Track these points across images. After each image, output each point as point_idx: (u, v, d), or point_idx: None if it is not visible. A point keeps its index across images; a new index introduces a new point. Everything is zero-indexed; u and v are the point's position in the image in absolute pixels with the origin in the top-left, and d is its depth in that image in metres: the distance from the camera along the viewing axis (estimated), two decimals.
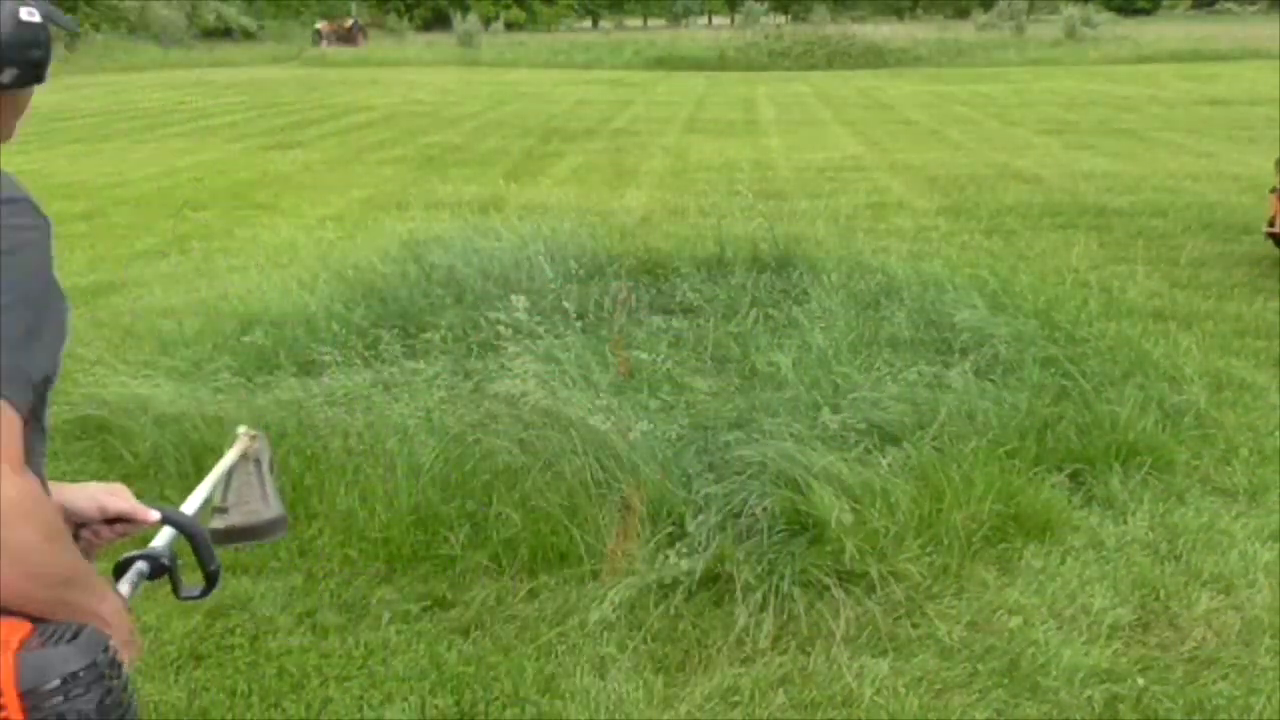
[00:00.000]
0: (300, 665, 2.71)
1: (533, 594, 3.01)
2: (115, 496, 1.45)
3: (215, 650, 2.79)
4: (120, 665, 1.15)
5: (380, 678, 2.67)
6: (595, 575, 3.05)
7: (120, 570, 1.37)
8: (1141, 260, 6.55)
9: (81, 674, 1.09)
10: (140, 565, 1.39)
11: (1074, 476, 3.60)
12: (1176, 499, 3.53)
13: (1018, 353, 4.24)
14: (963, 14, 53.46)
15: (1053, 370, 4.11)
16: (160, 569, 1.40)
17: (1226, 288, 6.15)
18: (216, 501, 1.59)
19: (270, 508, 1.61)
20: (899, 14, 59.52)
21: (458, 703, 2.58)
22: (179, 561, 1.40)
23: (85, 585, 1.21)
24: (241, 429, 1.68)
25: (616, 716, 2.53)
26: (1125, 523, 3.37)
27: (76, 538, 1.39)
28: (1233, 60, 28.79)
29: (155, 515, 1.46)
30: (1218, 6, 63.50)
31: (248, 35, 42.61)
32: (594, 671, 2.68)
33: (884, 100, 19.93)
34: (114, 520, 1.45)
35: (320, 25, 44.47)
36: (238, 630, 2.86)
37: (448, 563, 3.11)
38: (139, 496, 1.47)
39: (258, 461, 1.64)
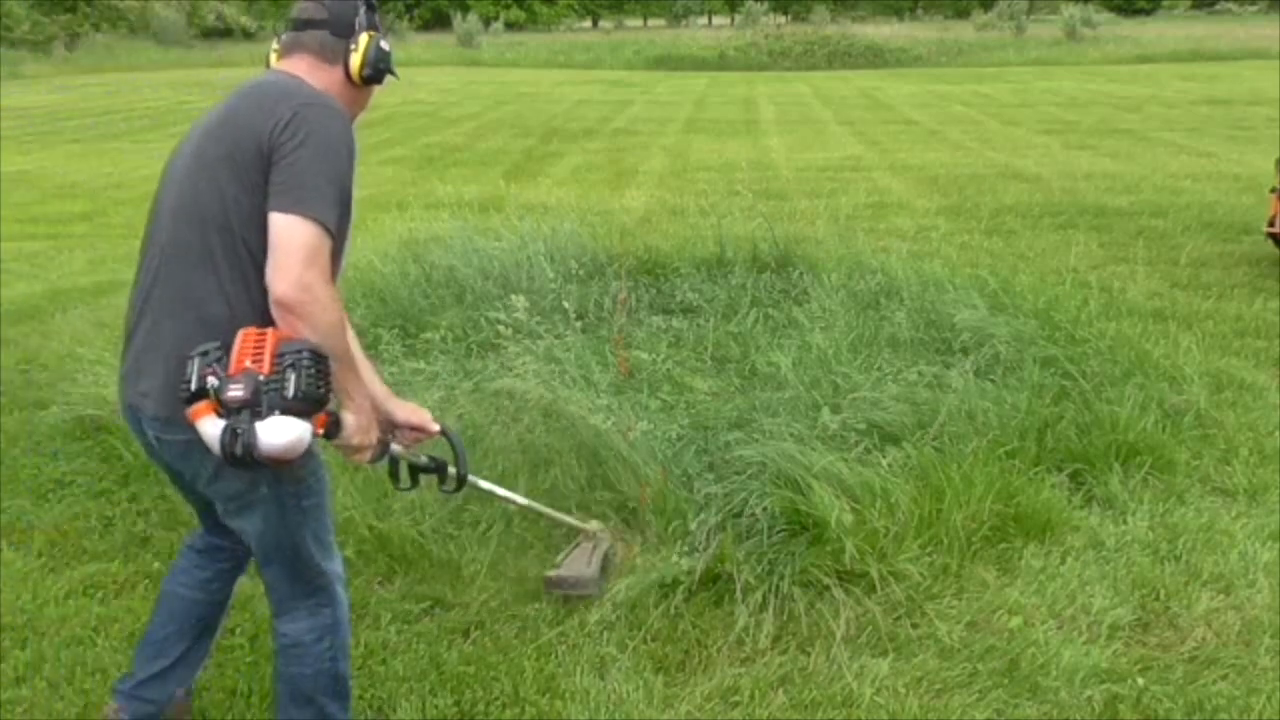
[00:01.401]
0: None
1: (533, 594, 3.01)
2: (417, 414, 2.35)
3: (215, 650, 2.79)
4: (328, 383, 1.83)
5: (380, 678, 2.67)
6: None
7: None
8: (1141, 260, 6.55)
9: (309, 353, 1.79)
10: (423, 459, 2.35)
11: (1074, 476, 3.60)
12: (1176, 499, 3.53)
13: (1018, 353, 4.24)
14: (963, 14, 53.43)
15: (1053, 370, 4.11)
16: (438, 466, 2.37)
17: (1226, 288, 6.15)
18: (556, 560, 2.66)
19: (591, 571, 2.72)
20: (899, 14, 59.47)
21: (458, 703, 2.58)
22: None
23: (351, 367, 1.95)
24: (594, 524, 2.81)
25: (616, 716, 2.53)
26: (1125, 523, 3.37)
27: (392, 435, 2.26)
28: (1233, 60, 28.78)
29: (437, 428, 2.36)
30: (1218, 6, 63.44)
31: (248, 35, 42.56)
32: (594, 671, 2.68)
33: (884, 100, 19.93)
34: (412, 429, 2.33)
35: None
36: (238, 630, 2.86)
37: (448, 563, 3.11)
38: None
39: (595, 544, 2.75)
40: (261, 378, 1.75)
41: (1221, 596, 2.99)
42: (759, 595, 2.89)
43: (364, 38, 2.04)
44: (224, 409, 1.75)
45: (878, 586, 2.93)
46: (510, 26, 54.17)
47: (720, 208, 8.10)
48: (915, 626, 2.84)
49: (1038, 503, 3.32)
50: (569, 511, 2.96)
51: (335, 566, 2.18)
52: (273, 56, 2.11)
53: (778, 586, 2.91)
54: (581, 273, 5.45)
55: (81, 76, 29.09)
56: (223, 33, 42.72)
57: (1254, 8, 59.88)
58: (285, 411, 1.76)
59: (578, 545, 2.76)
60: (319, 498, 2.08)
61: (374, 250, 5.92)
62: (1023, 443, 3.60)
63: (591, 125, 16.05)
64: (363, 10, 2.06)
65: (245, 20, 44.18)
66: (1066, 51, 32.42)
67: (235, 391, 1.74)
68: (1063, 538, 3.27)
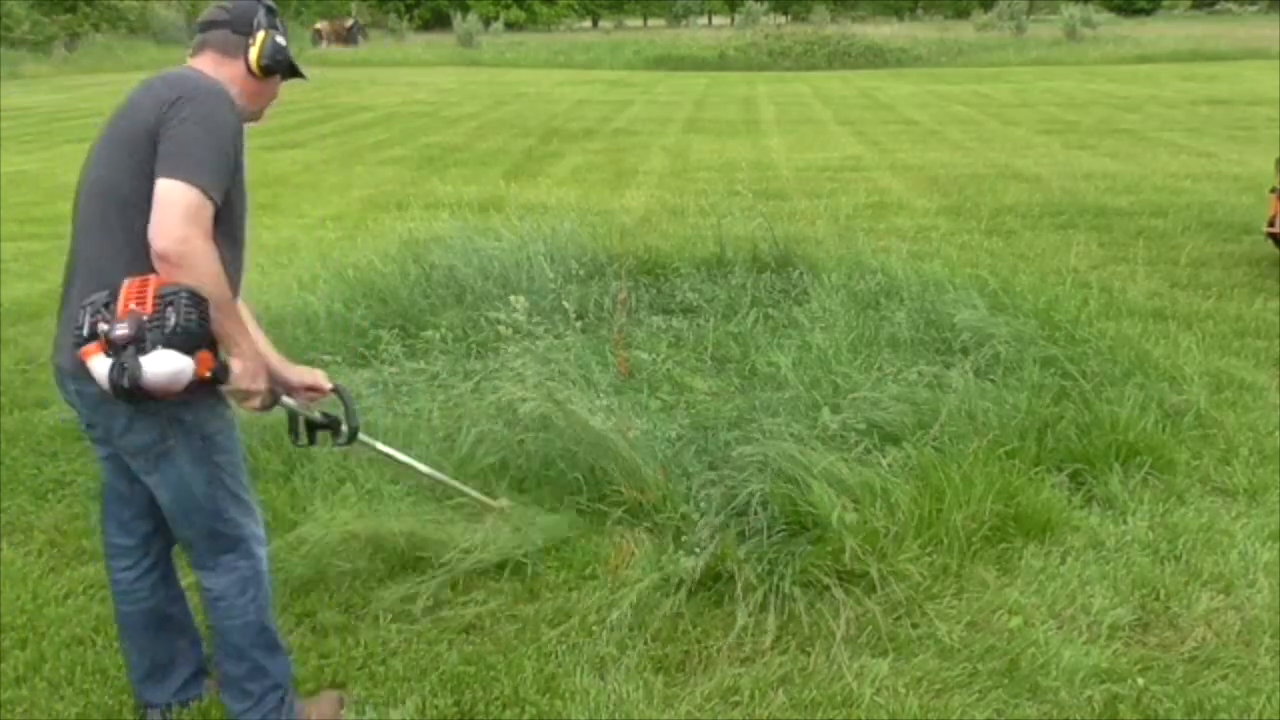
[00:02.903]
0: (300, 665, 2.70)
1: (533, 594, 3.01)
2: (311, 374, 2.52)
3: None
4: (206, 321, 1.99)
5: (380, 678, 2.67)
6: (595, 575, 3.05)
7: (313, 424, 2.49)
8: (1141, 260, 6.55)
9: (186, 294, 1.95)
10: (317, 415, 2.50)
11: (1074, 476, 3.60)
12: (1176, 499, 3.53)
13: (1018, 353, 4.24)
14: (963, 14, 53.43)
15: (1053, 370, 4.11)
16: (331, 422, 2.50)
17: (1226, 288, 6.15)
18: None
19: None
20: (899, 14, 59.48)
21: (458, 703, 2.58)
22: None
23: (231, 317, 2.09)
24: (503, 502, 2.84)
25: (616, 716, 2.53)
26: (1125, 523, 3.37)
27: (291, 396, 2.41)
28: (1233, 60, 28.77)
29: (330, 385, 2.54)
30: (1218, 6, 63.44)
31: None
32: (594, 671, 2.68)
33: (884, 100, 19.93)
34: (308, 389, 2.51)
35: (320, 25, 44.42)
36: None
37: (448, 563, 3.11)
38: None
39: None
40: (145, 317, 1.93)
41: (1221, 596, 2.99)
42: (759, 595, 2.89)
43: (261, 34, 2.27)
44: (111, 347, 1.92)
45: (878, 586, 2.93)
46: (510, 26, 54.16)
47: (720, 208, 8.09)
48: (915, 626, 2.84)
49: (1038, 503, 3.32)
50: (477, 488, 2.99)
51: (254, 526, 2.35)
52: (188, 57, 2.33)
53: (778, 586, 2.91)
54: (581, 273, 5.45)
55: (81, 76, 29.09)
56: None
57: (1254, 8, 59.89)
58: (167, 345, 1.93)
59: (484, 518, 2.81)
60: (230, 455, 2.26)
61: (374, 250, 5.92)
62: (1023, 443, 3.60)
63: (591, 125, 16.05)
64: (261, 12, 2.29)
65: None
66: (1066, 51, 32.41)
67: (121, 330, 1.92)
68: (1063, 538, 3.27)
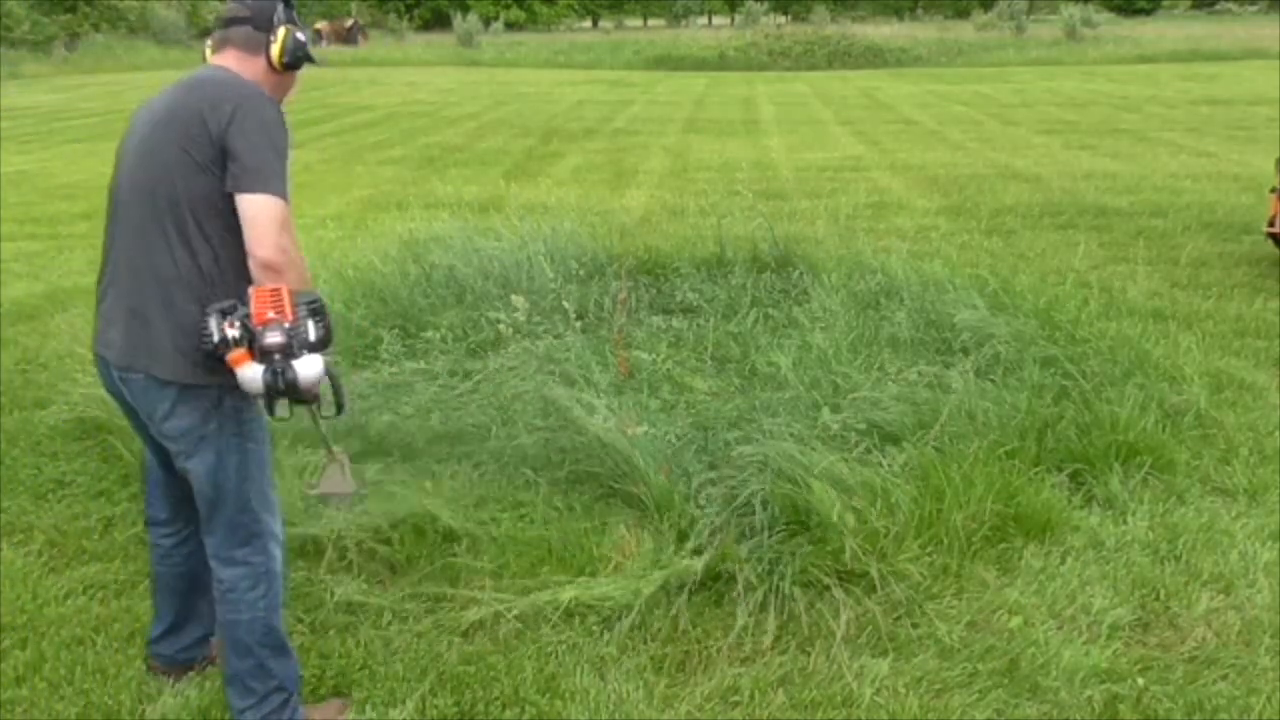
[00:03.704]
0: (300, 665, 2.70)
1: (532, 594, 3.00)
2: None
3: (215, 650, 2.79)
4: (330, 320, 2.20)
5: (380, 678, 2.67)
6: (595, 575, 3.05)
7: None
8: (1141, 260, 6.55)
9: (320, 303, 2.19)
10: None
11: (1074, 476, 3.60)
12: (1176, 499, 3.53)
13: (1018, 353, 4.24)
14: (963, 14, 53.43)
15: (1053, 370, 4.11)
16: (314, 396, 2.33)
17: (1226, 288, 6.15)
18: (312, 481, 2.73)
19: (348, 485, 2.64)
20: (899, 14, 59.49)
21: (458, 703, 2.58)
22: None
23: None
24: (338, 449, 2.64)
25: (616, 716, 2.53)
26: (1125, 523, 3.37)
27: None
28: (1233, 60, 28.77)
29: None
30: (1218, 6, 63.45)
31: None
32: (594, 671, 2.68)
33: (884, 100, 19.93)
34: None
35: (320, 25, 44.42)
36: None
37: (448, 563, 3.11)
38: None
39: (341, 463, 2.62)
40: (287, 325, 2.09)
41: (1221, 596, 2.99)
42: (759, 595, 2.90)
43: (281, 30, 2.34)
44: (262, 355, 2.08)
45: (878, 586, 2.93)
46: (510, 26, 54.18)
47: (720, 208, 8.10)
48: (915, 626, 2.85)
49: (1038, 503, 3.32)
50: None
51: (274, 524, 2.43)
52: (208, 52, 2.40)
53: (778, 586, 2.91)
54: (581, 273, 5.45)
55: (81, 76, 29.09)
56: None
57: (1254, 8, 59.91)
58: (312, 350, 2.14)
59: (326, 466, 2.82)
60: (261, 446, 2.38)
61: (374, 250, 5.92)
62: (1023, 443, 3.60)
63: (591, 125, 16.05)
64: (280, 7, 2.36)
65: None
66: (1066, 51, 32.41)
67: (272, 339, 2.07)
68: (1063, 538, 3.27)
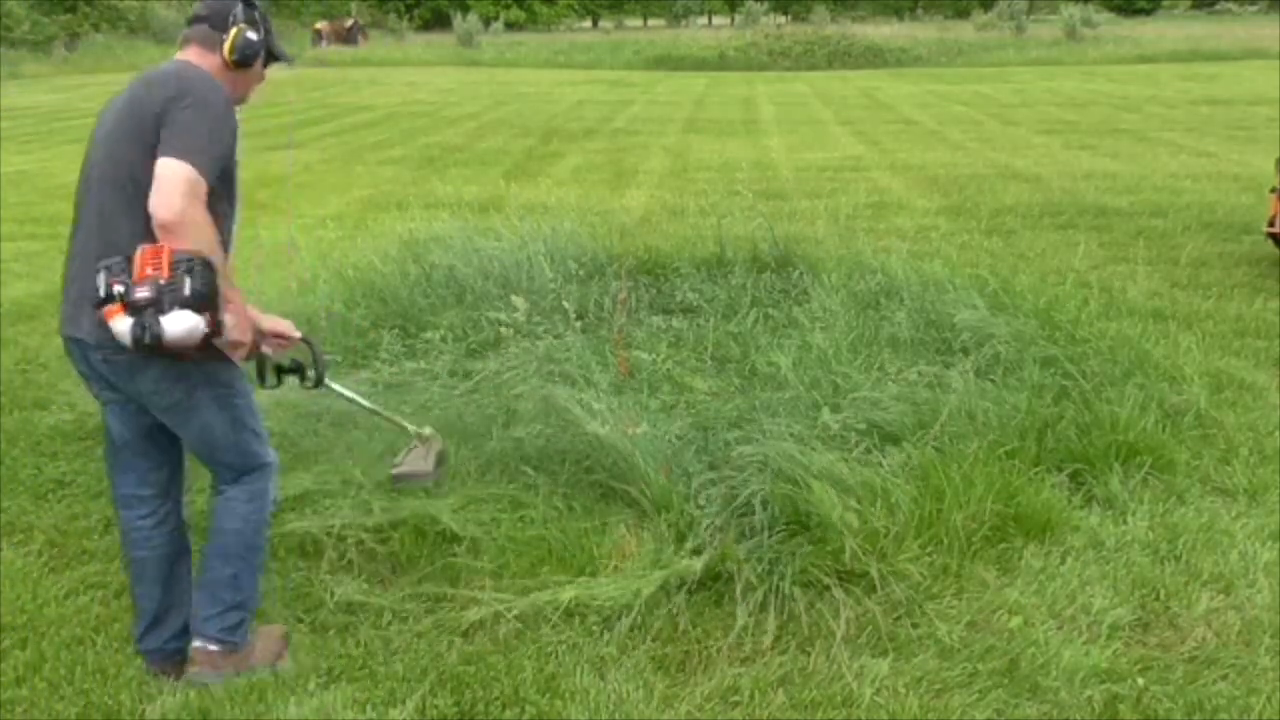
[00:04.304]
0: (300, 665, 2.71)
1: (531, 594, 3.00)
2: (281, 322, 2.72)
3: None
4: (216, 285, 2.25)
5: (380, 678, 2.67)
6: (595, 575, 3.05)
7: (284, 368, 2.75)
8: (1141, 260, 6.55)
9: (200, 261, 2.22)
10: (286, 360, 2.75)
11: (1074, 476, 3.60)
12: (1176, 499, 3.53)
13: (1018, 353, 4.24)
14: (963, 14, 53.42)
15: (1053, 370, 4.11)
16: (298, 367, 2.77)
17: (1226, 288, 6.15)
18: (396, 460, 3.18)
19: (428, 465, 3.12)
20: (899, 14, 59.47)
21: (458, 703, 2.58)
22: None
23: (225, 279, 2.31)
24: (427, 429, 3.16)
25: (616, 716, 2.53)
26: (1125, 523, 3.37)
27: (263, 341, 2.63)
28: (1233, 60, 28.78)
29: (299, 334, 2.75)
30: (1218, 6, 63.44)
31: None
32: (594, 671, 2.68)
33: (884, 100, 19.93)
34: (276, 336, 2.70)
35: (320, 25, 44.41)
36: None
37: (448, 563, 3.11)
38: None
39: (428, 444, 3.10)
40: (162, 281, 2.20)
41: (1221, 596, 2.99)
42: (759, 595, 2.89)
43: (234, 30, 2.50)
44: (131, 308, 2.19)
45: (878, 586, 2.93)
46: (510, 26, 54.16)
47: (720, 208, 8.10)
48: (915, 626, 2.84)
49: (1038, 503, 3.32)
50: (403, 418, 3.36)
51: (269, 454, 2.67)
52: (177, 49, 2.59)
53: (778, 586, 2.91)
54: (581, 273, 5.45)
55: (81, 76, 29.09)
56: None
57: (1254, 8, 59.90)
58: (184, 307, 2.21)
59: (413, 447, 3.20)
60: (245, 399, 2.57)
61: (374, 250, 5.92)
62: (1023, 443, 3.60)
63: (591, 125, 16.06)
64: (239, 8, 2.52)
65: None
66: (1066, 51, 32.41)
67: (141, 293, 2.18)
68: (1063, 538, 3.27)
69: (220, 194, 2.39)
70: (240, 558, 2.62)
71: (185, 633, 2.68)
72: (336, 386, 3.04)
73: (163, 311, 2.18)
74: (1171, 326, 5.27)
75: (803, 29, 38.75)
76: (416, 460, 3.16)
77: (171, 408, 2.46)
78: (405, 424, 3.31)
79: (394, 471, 3.20)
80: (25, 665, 2.75)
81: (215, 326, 2.29)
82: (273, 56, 2.61)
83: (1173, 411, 4.01)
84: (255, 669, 2.65)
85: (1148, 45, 32.58)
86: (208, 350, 2.33)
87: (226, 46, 2.49)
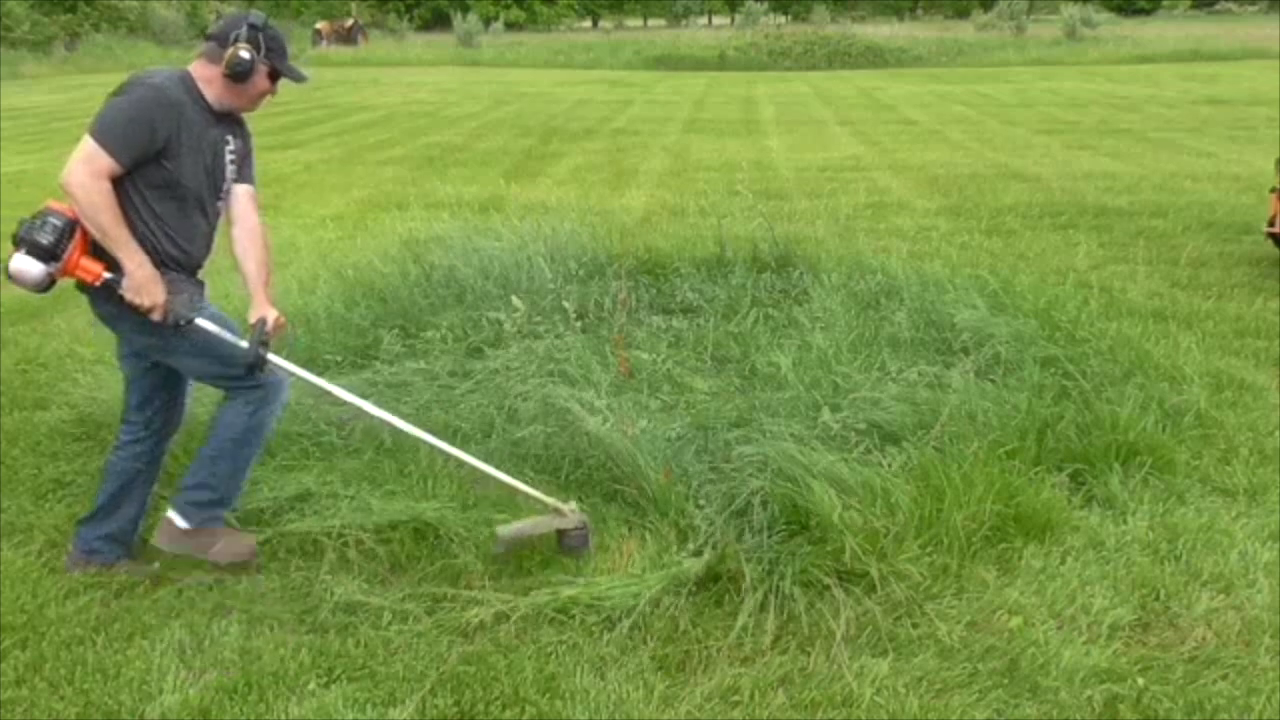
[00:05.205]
0: (300, 665, 2.71)
1: (532, 594, 3.00)
2: (266, 314, 3.00)
3: (214, 649, 2.79)
4: (63, 240, 2.78)
5: (380, 678, 2.67)
6: (595, 575, 3.05)
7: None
8: (1142, 260, 6.55)
9: (54, 219, 2.80)
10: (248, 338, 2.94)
11: (1074, 476, 3.60)
12: (1176, 499, 3.53)
13: (1018, 353, 4.24)
14: (963, 14, 53.43)
15: (1053, 370, 4.11)
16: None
17: (1226, 288, 6.15)
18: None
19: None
20: (899, 14, 59.48)
21: (458, 703, 2.58)
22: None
23: (116, 241, 2.76)
24: (570, 505, 3.14)
25: (616, 716, 2.53)
26: (1125, 523, 3.37)
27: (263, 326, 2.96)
28: (1233, 60, 28.79)
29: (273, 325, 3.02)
30: (1218, 6, 63.49)
31: None
32: (594, 671, 2.68)
33: (884, 100, 19.93)
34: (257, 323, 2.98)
35: (320, 25, 44.40)
36: (237, 629, 2.86)
37: (448, 563, 3.11)
38: None
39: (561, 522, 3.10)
40: (26, 227, 2.78)
41: (1221, 596, 2.99)
42: (759, 595, 2.89)
43: (230, 49, 2.85)
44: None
45: (878, 586, 2.93)
46: (510, 26, 54.17)
47: (720, 208, 8.10)
48: (915, 626, 2.84)
49: (1038, 503, 3.32)
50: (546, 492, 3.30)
51: (268, 379, 2.99)
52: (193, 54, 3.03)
53: (778, 586, 2.91)
54: (581, 273, 5.45)
55: (81, 76, 29.09)
56: None
57: (1254, 8, 59.92)
58: (28, 252, 2.76)
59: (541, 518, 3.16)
60: (208, 336, 2.90)
61: (374, 250, 5.92)
62: (1023, 443, 3.60)
63: (591, 125, 16.06)
64: (244, 29, 2.87)
65: None
66: (1066, 51, 32.42)
67: (14, 232, 2.79)
68: (1063, 538, 3.27)
69: (152, 177, 2.80)
70: (229, 454, 2.99)
71: (110, 540, 3.15)
72: (304, 374, 3.17)
73: (16, 251, 2.76)
74: (1171, 326, 5.27)
75: (803, 29, 38.77)
76: (526, 526, 3.09)
77: (151, 350, 2.98)
78: (543, 496, 3.20)
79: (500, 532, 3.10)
80: (25, 665, 2.75)
81: (106, 281, 2.78)
82: (278, 74, 2.95)
83: (1173, 411, 4.01)
84: (211, 560, 3.06)
85: (1148, 45, 32.59)
86: (121, 301, 2.79)
87: (224, 61, 2.85)
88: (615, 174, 11.11)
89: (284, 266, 6.35)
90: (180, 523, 3.01)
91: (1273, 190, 6.53)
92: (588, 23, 67.72)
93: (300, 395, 4.06)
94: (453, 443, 3.54)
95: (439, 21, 53.84)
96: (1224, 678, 2.65)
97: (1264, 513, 3.45)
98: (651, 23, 67.47)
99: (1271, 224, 6.41)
